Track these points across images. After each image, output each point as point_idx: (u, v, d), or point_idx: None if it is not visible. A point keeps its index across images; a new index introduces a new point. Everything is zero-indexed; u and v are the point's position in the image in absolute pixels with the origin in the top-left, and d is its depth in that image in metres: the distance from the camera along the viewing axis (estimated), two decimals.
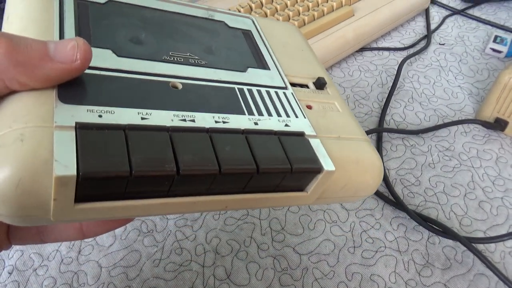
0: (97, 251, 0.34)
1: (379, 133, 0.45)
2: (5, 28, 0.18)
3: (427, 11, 0.63)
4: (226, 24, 0.25)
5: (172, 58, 0.20)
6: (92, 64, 0.17)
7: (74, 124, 0.14)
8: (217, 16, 0.25)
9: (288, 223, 0.36)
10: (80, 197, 0.14)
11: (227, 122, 0.18)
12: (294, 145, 0.19)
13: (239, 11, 0.49)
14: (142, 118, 0.16)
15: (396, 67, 0.52)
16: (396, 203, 0.38)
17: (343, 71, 0.53)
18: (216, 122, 0.18)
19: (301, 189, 0.20)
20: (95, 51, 0.18)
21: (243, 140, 0.17)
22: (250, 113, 0.19)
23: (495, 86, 0.47)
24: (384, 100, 0.49)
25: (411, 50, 0.56)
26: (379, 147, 0.43)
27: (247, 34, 0.25)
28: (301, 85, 0.24)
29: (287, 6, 0.52)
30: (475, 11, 0.64)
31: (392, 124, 0.46)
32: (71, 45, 0.15)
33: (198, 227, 0.36)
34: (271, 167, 0.17)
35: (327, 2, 0.53)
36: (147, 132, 0.15)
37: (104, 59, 0.18)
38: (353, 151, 0.21)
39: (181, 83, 0.19)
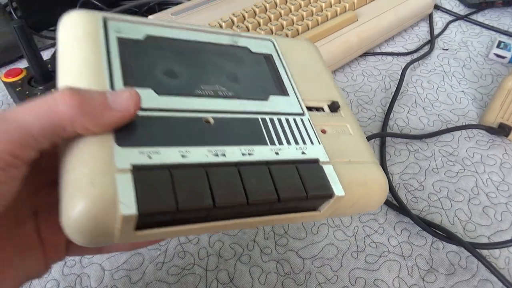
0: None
1: (382, 137, 0.45)
2: (61, 72, 0.21)
3: (430, 16, 0.63)
4: (249, 50, 0.27)
5: (204, 92, 0.22)
6: None
7: (130, 167, 0.17)
8: (241, 42, 0.27)
9: (291, 227, 0.36)
10: (138, 226, 0.17)
11: (252, 154, 0.21)
12: (309, 173, 0.21)
13: (244, 17, 0.49)
14: (183, 156, 0.19)
15: (400, 72, 0.53)
16: (400, 208, 0.38)
17: (347, 75, 0.53)
18: (243, 154, 0.20)
19: (314, 209, 0.22)
20: (140, 91, 0.20)
21: (266, 172, 0.20)
22: (272, 143, 0.22)
23: (499, 92, 0.46)
24: (388, 104, 0.49)
25: (415, 55, 0.56)
26: (382, 152, 0.43)
27: (268, 58, 0.27)
28: (317, 108, 0.26)
29: (290, 11, 0.52)
30: (478, 17, 0.64)
31: (396, 129, 0.46)
32: (125, 96, 0.18)
33: None
34: (290, 196, 0.20)
35: (331, 7, 0.54)
36: (188, 170, 0.18)
37: (147, 99, 0.20)
38: (361, 174, 0.23)
39: (212, 117, 0.21)
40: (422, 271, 0.34)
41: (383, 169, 0.41)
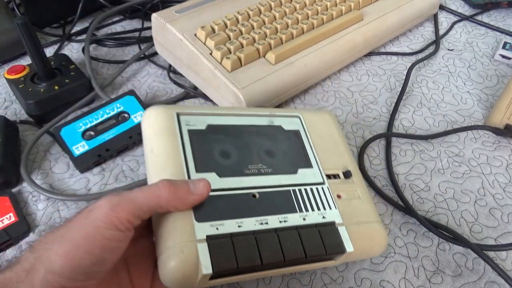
0: None
1: (388, 138, 0.44)
2: (151, 164, 0.29)
3: (435, 17, 0.63)
4: (282, 128, 0.34)
5: (251, 171, 0.30)
6: None
7: (205, 237, 0.25)
8: (276, 121, 0.35)
9: None
10: (212, 277, 0.25)
11: (286, 221, 0.28)
12: (328, 234, 0.29)
13: (249, 15, 0.49)
14: (239, 226, 0.26)
15: (404, 72, 0.52)
16: (406, 208, 0.38)
17: (351, 75, 0.53)
18: (280, 221, 0.28)
19: (331, 259, 0.30)
20: (207, 176, 0.28)
21: (296, 236, 0.27)
22: (300, 210, 0.29)
23: (505, 93, 0.46)
24: (393, 104, 0.48)
25: (420, 55, 0.56)
26: (387, 152, 0.43)
27: (296, 134, 0.34)
28: (334, 176, 0.33)
29: (295, 10, 0.51)
30: (483, 17, 0.64)
31: (401, 129, 0.46)
32: (202, 184, 0.26)
33: None
34: (314, 254, 0.27)
35: (336, 6, 0.53)
36: (243, 237, 0.26)
37: (213, 182, 0.27)
38: (367, 232, 0.30)
39: (258, 192, 0.29)
40: (428, 273, 0.34)
41: (389, 170, 0.41)
